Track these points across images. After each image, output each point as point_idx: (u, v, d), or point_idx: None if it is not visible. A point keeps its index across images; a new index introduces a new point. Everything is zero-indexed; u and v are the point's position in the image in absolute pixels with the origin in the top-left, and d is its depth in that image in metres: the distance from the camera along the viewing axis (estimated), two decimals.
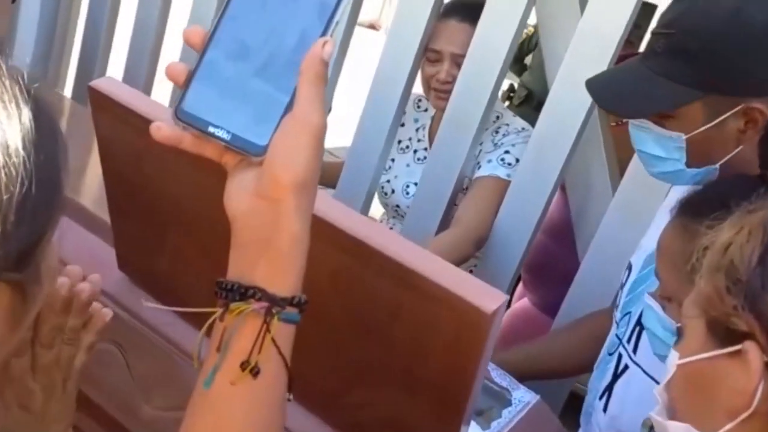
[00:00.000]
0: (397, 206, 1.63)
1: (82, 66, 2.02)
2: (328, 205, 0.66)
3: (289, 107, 0.46)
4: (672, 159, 0.91)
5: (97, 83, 0.80)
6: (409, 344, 0.68)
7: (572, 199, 1.57)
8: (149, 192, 0.87)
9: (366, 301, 0.68)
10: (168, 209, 0.86)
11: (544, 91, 1.48)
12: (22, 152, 0.39)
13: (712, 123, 0.87)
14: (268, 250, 0.47)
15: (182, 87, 0.47)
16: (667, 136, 0.90)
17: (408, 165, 1.62)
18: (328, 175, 1.78)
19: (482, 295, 0.60)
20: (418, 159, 1.61)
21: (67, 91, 2.11)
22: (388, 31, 1.57)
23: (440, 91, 1.48)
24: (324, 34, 0.47)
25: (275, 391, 0.48)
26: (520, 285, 2.10)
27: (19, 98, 0.40)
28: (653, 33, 0.91)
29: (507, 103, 2.76)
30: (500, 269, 1.44)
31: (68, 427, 0.67)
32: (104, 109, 0.81)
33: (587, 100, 1.31)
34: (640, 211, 1.24)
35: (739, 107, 0.86)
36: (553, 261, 1.86)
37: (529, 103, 2.71)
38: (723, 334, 0.50)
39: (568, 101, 1.34)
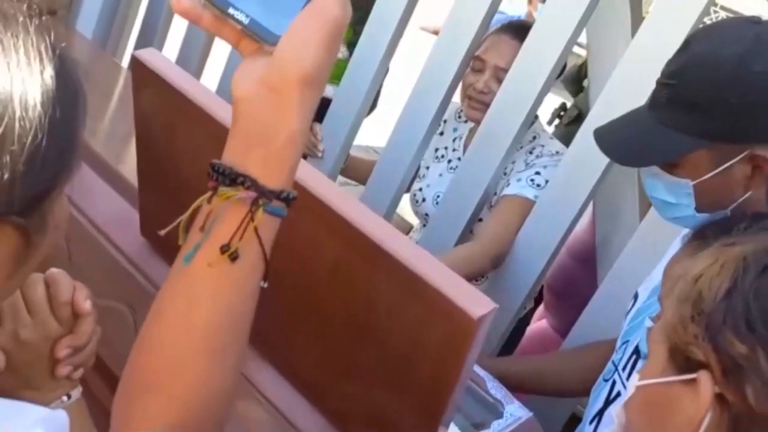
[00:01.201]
0: (427, 215, 1.64)
1: (141, 39, 2.09)
2: (338, 196, 0.69)
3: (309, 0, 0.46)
4: (682, 204, 0.93)
5: (140, 53, 0.84)
6: (400, 341, 0.69)
7: (599, 224, 1.56)
8: (177, 165, 0.91)
9: (362, 295, 0.70)
10: (193, 183, 0.89)
11: None
12: (39, 108, 0.41)
13: (718, 170, 0.88)
14: (264, 142, 0.47)
15: None
16: (675, 183, 0.92)
17: (441, 174, 1.63)
18: (360, 172, 1.80)
19: (472, 300, 0.61)
20: (451, 168, 1.62)
21: (125, 61, 2.18)
22: (437, 38, 1.58)
23: (475, 101, 1.49)
24: None
25: (250, 279, 0.49)
26: (542, 306, 2.09)
27: (43, 55, 0.42)
28: (658, 83, 0.93)
29: (557, 121, 2.75)
30: (515, 284, 1.44)
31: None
32: (144, 80, 0.85)
33: None
34: (661, 245, 1.22)
35: (745, 154, 0.86)
36: (575, 285, 1.85)
37: (578, 123, 2.70)
38: (682, 361, 0.51)
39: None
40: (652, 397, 0.54)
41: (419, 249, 0.66)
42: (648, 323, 0.90)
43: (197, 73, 1.97)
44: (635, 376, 0.56)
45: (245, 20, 0.47)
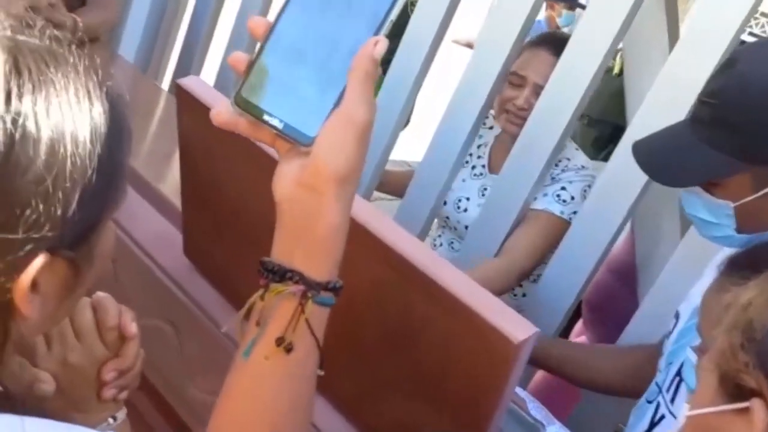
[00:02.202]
0: (447, 218, 1.64)
1: (181, 62, 2.14)
2: (378, 220, 0.69)
3: (338, 102, 0.49)
4: (722, 225, 0.91)
5: (184, 81, 0.87)
6: (438, 363, 0.70)
7: (639, 241, 1.54)
8: (219, 188, 0.93)
9: (401, 315, 0.70)
10: (234, 206, 0.92)
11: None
12: (89, 145, 0.43)
13: (760, 193, 0.86)
14: (307, 237, 0.50)
15: (242, 75, 0.50)
16: (715, 203, 0.90)
17: (464, 180, 1.63)
18: (394, 185, 1.81)
19: (513, 324, 0.61)
20: (475, 175, 1.62)
21: (165, 84, 2.23)
22: (471, 55, 1.59)
23: (515, 116, 1.49)
24: (376, 33, 0.49)
25: (306, 367, 0.52)
26: (580, 322, 2.06)
27: (92, 93, 0.44)
28: (699, 100, 0.91)
29: None
30: (552, 305, 1.43)
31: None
32: (188, 106, 0.87)
33: None
34: (703, 262, 1.20)
35: None
36: (615, 301, 1.82)
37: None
38: (733, 389, 0.50)
39: None
40: (703, 427, 0.53)
41: (457, 271, 0.66)
42: (690, 354, 0.89)
43: None
44: (685, 406, 0.55)
45: (279, 125, 0.50)
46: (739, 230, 0.90)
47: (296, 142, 0.50)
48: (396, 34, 2.01)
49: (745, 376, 0.49)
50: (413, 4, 1.68)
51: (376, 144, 1.70)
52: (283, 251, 0.51)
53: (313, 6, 0.50)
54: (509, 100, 1.49)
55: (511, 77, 1.51)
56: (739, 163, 0.85)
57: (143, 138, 1.47)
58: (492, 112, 1.60)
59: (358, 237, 0.68)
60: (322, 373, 0.54)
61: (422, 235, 1.65)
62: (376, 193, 1.87)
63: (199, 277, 1.04)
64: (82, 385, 0.68)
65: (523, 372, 0.68)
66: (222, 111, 0.51)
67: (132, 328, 0.69)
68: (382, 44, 0.48)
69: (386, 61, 1.93)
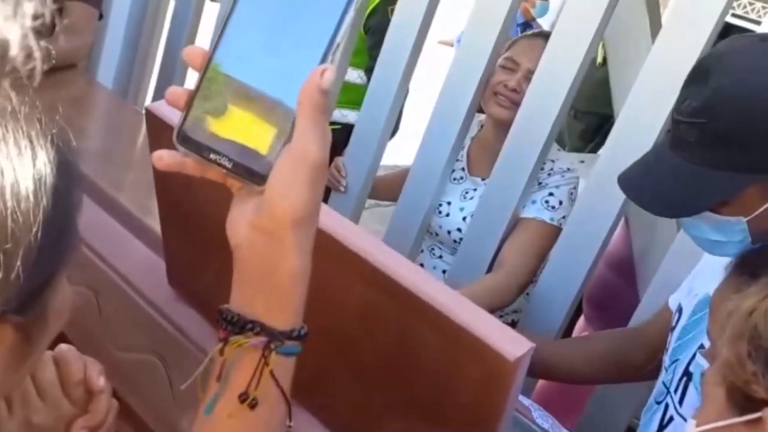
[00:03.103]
0: (428, 224, 1.63)
1: (159, 87, 2.12)
2: (361, 239, 0.67)
3: (289, 138, 0.45)
4: (734, 242, 0.87)
5: (153, 106, 0.83)
6: (435, 384, 0.67)
7: (635, 237, 1.52)
8: (199, 214, 0.90)
9: (393, 338, 0.68)
10: (215, 230, 0.89)
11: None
12: (32, 199, 0.38)
13: None
14: (266, 285, 0.47)
15: (183, 110, 0.46)
16: (725, 222, 0.85)
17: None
18: (386, 190, 1.79)
19: (507, 341, 0.58)
20: (455, 179, 1.60)
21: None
22: (456, 50, 1.56)
23: (505, 97, 1.46)
24: (323, 61, 0.44)
25: (272, 423, 0.49)
26: (582, 318, 2.04)
27: (34, 141, 0.39)
28: (678, 121, 0.86)
29: None
30: (553, 304, 1.40)
31: None
32: (159, 131, 0.84)
33: (654, 133, 1.27)
34: (701, 253, 1.18)
35: None
36: (615, 296, 1.80)
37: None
38: (742, 401, 0.48)
39: (635, 133, 1.30)
40: None
41: (447, 289, 0.64)
42: (700, 359, 0.86)
43: None
44: (691, 422, 0.52)
45: (228, 164, 0.45)
46: (754, 242, 0.86)
47: (248, 182, 0.46)
48: (377, 41, 1.99)
49: (754, 386, 0.47)
50: (393, 10, 1.66)
51: (366, 152, 1.68)
52: (243, 301, 0.48)
53: (253, 31, 0.45)
54: (500, 82, 1.48)
55: (504, 62, 1.49)
56: (745, 176, 0.82)
57: (125, 167, 1.44)
58: None
59: (346, 260, 0.66)
60: (291, 425, 0.50)
61: (418, 241, 1.63)
62: (370, 201, 1.85)
63: (185, 307, 1.01)
64: None
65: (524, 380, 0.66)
66: (164, 155, 0.47)
67: (99, 381, 0.65)
68: (330, 72, 0.44)
69: (370, 69, 1.91)
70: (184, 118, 0.46)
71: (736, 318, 0.49)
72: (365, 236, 0.67)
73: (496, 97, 1.48)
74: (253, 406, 0.47)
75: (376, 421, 0.78)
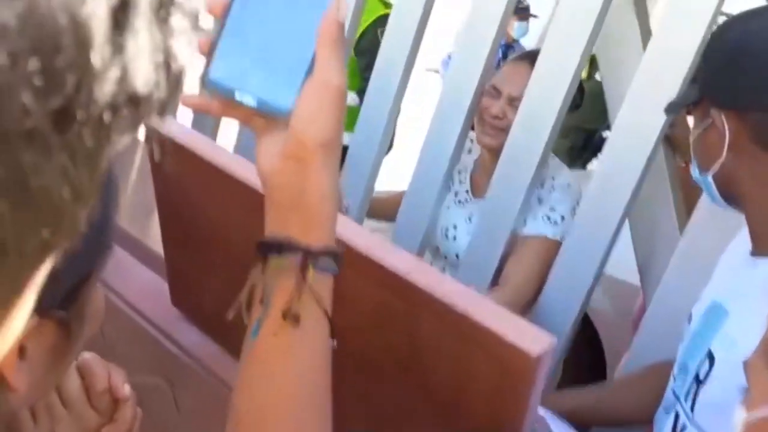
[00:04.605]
0: (438, 248, 1.62)
1: None
2: (371, 241, 0.66)
3: (310, 70, 0.48)
4: (717, 199, 0.96)
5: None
6: (453, 385, 0.65)
7: (637, 246, 1.51)
8: (201, 228, 0.89)
9: (407, 339, 0.66)
10: (217, 246, 0.88)
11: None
12: None
13: (700, 128, 0.93)
14: (299, 207, 0.49)
15: (207, 55, 0.48)
16: (702, 181, 0.96)
17: (449, 207, 1.60)
18: (383, 210, 1.78)
19: (528, 337, 0.57)
20: (459, 201, 1.60)
21: (141, 134, 2.20)
22: (445, 75, 1.57)
23: (490, 126, 1.47)
24: None
25: (316, 339, 0.51)
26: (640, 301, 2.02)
27: None
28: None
29: None
30: (561, 310, 1.39)
31: None
32: (163, 149, 0.84)
33: (650, 140, 1.27)
34: (707, 257, 1.18)
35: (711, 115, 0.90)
36: None
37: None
38: None
39: (632, 142, 1.30)
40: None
41: (460, 285, 0.63)
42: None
43: (213, 134, 1.98)
44: (739, 413, 0.50)
45: (253, 102, 0.48)
46: (725, 199, 0.94)
47: (273, 115, 0.48)
48: (368, 63, 2.00)
49: None
50: (382, 32, 1.68)
51: (361, 172, 1.67)
52: (276, 225, 0.50)
53: None
54: (485, 109, 1.49)
55: (489, 88, 1.51)
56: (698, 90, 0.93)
57: (123, 189, 1.43)
58: (472, 134, 1.59)
59: (357, 263, 0.65)
60: (334, 343, 0.52)
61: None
62: (373, 224, 1.84)
63: (190, 326, 0.99)
64: None
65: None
66: (190, 97, 0.50)
67: (124, 389, 0.64)
68: (345, 6, 0.48)
69: (363, 91, 1.92)
70: (208, 62, 0.48)
71: None
72: (372, 237, 0.66)
73: (483, 125, 1.49)
74: (296, 322, 0.49)
75: (393, 426, 0.76)
